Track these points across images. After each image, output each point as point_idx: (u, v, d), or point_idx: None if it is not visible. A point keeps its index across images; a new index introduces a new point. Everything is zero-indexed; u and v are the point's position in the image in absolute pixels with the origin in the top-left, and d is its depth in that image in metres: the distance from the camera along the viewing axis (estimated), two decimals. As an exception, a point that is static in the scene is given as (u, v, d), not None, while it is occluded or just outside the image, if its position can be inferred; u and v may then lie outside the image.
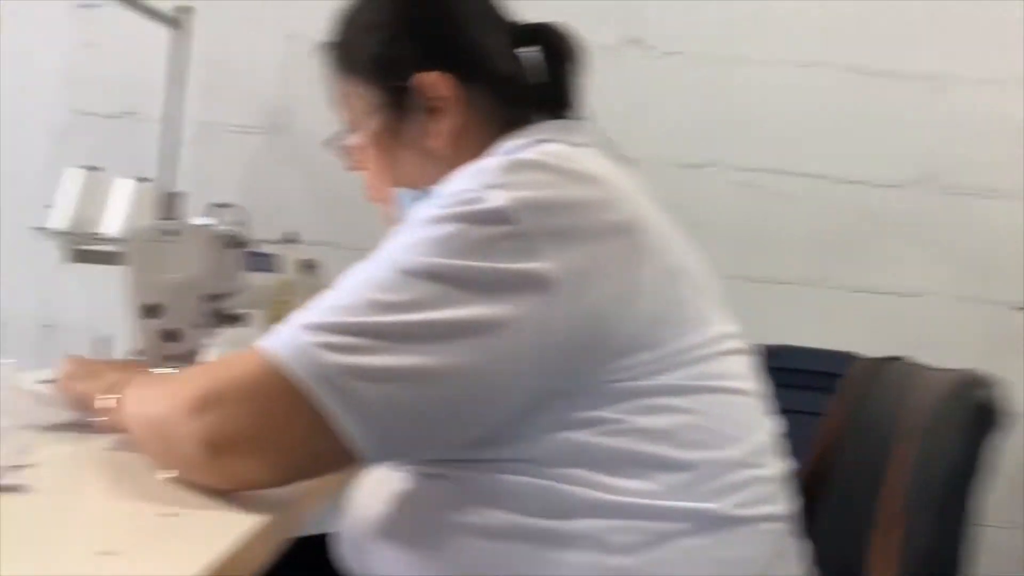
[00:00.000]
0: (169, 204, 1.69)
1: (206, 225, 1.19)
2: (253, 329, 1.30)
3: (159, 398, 0.77)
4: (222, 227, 1.20)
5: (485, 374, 0.69)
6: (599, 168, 0.76)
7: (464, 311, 0.68)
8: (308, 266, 1.65)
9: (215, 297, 1.18)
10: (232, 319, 1.24)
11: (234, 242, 1.20)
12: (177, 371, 1.12)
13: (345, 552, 0.83)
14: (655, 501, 0.71)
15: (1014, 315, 1.90)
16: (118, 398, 0.87)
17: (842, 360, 1.78)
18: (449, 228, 0.70)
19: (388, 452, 0.72)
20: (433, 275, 0.69)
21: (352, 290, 0.70)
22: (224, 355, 0.76)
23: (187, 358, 1.17)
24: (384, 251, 0.73)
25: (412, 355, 0.67)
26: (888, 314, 1.91)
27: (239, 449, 0.70)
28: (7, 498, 0.70)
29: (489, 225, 0.70)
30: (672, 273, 0.75)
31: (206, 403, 0.70)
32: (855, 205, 1.92)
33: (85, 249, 1.55)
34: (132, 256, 1.12)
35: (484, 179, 0.72)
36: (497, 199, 0.70)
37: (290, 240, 1.62)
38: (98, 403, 0.91)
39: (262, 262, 1.37)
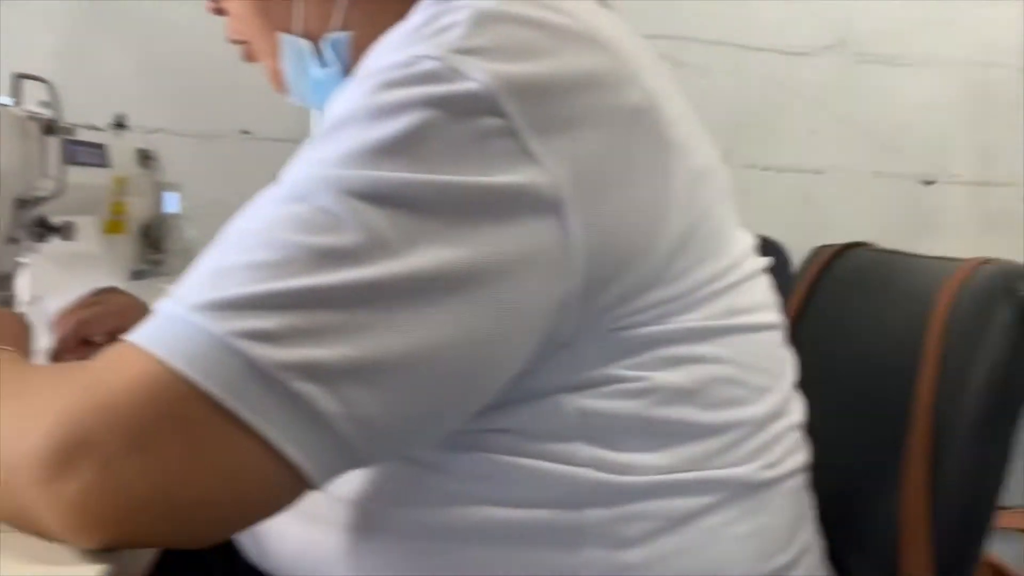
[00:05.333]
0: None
1: (7, 104, 0.88)
2: (83, 242, 1.01)
3: (3, 421, 0.47)
4: (31, 107, 0.90)
5: (487, 342, 0.47)
6: (598, 22, 0.52)
7: (447, 252, 0.45)
8: (145, 157, 1.34)
9: (29, 201, 0.89)
10: (53, 229, 0.95)
11: (51, 127, 0.90)
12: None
13: (272, 564, 0.61)
14: (671, 476, 0.53)
15: (922, 189, 1.82)
16: None
17: (768, 248, 1.65)
18: (407, 121, 0.45)
19: (358, 467, 0.49)
20: (395, 197, 0.45)
21: (266, 235, 0.45)
22: (86, 363, 0.47)
23: (-3, 284, 0.88)
24: (302, 167, 0.47)
25: (381, 331, 0.44)
26: (795, 192, 1.79)
27: (133, 515, 0.44)
28: None
29: (467, 116, 0.46)
30: (697, 176, 0.54)
31: (70, 455, 0.43)
32: (764, 75, 1.76)
33: None
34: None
35: (444, 40, 0.47)
36: (473, 74, 0.46)
37: (119, 125, 1.31)
38: None
39: (88, 154, 1.07)
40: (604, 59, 0.51)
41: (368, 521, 0.55)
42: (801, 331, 0.92)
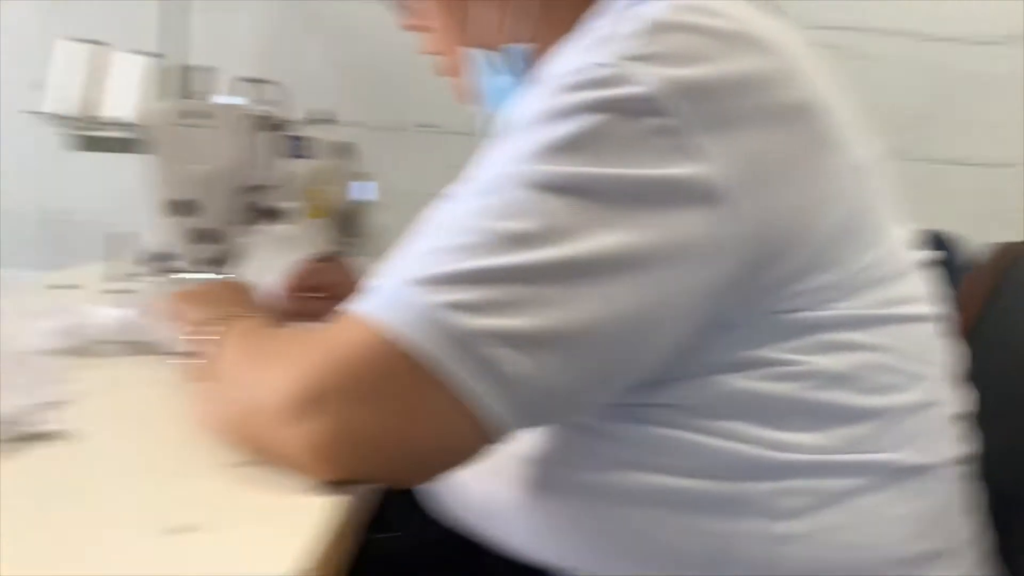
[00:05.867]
0: (187, 81, 1.49)
1: (237, 105, 1.01)
2: (291, 226, 1.14)
3: (255, 381, 0.58)
4: (256, 107, 1.02)
5: (651, 318, 0.53)
6: (761, 26, 0.57)
7: (619, 237, 0.51)
8: (343, 150, 1.47)
9: (253, 189, 1.01)
10: (273, 214, 1.08)
11: (272, 124, 1.02)
12: (219, 276, 0.97)
13: (457, 514, 0.69)
14: (828, 456, 0.57)
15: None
16: (215, 339, 0.67)
17: (940, 242, 1.61)
18: (584, 122, 0.52)
19: (533, 426, 0.57)
20: (573, 189, 0.52)
21: (464, 222, 0.53)
22: (320, 329, 0.57)
23: (225, 260, 1.02)
24: (491, 163, 0.55)
25: (563, 304, 0.51)
26: (977, 188, 1.73)
27: (357, 454, 0.53)
28: (41, 449, 0.57)
29: (638, 117, 0.52)
30: (857, 170, 0.58)
31: (310, 403, 0.53)
32: (947, 66, 1.71)
33: (93, 136, 1.37)
34: (157, 144, 0.95)
35: (619, 49, 0.53)
36: (644, 79, 0.52)
37: (325, 120, 1.44)
38: (192, 338, 0.71)
39: (294, 147, 1.20)
40: (767, 61, 0.56)
41: (542, 479, 0.62)
42: (984, 327, 0.92)
